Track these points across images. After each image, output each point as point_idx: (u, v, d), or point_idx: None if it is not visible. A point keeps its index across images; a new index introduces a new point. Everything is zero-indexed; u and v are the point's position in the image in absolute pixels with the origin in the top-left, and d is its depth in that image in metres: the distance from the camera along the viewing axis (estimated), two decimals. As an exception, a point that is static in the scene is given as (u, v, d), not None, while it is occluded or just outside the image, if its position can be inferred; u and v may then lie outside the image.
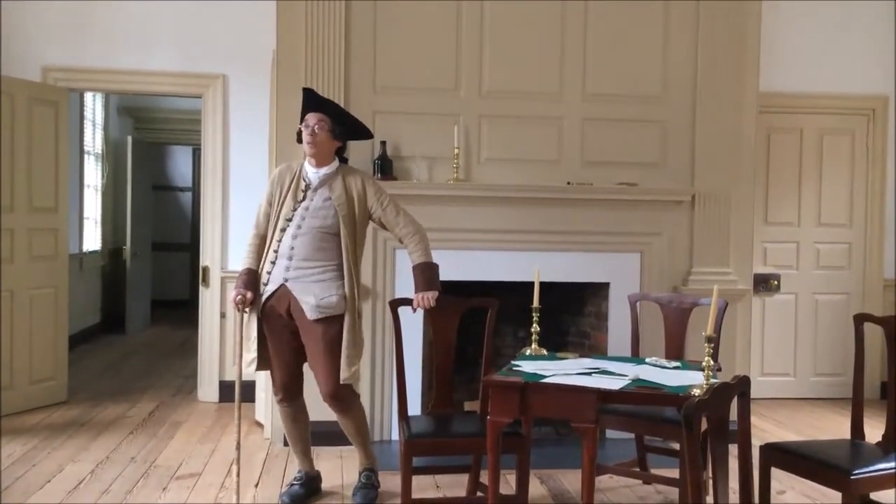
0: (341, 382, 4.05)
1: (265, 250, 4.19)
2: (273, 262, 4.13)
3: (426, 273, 4.10)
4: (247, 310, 4.12)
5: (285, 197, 4.17)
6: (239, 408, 4.18)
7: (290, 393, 4.26)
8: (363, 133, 4.41)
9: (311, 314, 4.03)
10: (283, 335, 4.15)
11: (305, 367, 4.25)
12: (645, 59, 5.58)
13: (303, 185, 4.18)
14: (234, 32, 6.46)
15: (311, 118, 4.14)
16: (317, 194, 4.15)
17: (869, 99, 6.84)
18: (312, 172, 4.18)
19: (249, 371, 4.20)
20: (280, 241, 4.12)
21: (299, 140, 4.20)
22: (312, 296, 4.03)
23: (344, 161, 4.33)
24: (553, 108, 5.52)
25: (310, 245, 4.08)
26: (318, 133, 4.11)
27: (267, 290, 4.12)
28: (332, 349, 4.05)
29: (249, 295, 4.08)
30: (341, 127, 4.20)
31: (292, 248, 4.09)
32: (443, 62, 5.43)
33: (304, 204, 4.14)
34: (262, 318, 4.15)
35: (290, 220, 4.12)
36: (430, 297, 4.06)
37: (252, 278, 4.14)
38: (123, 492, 4.41)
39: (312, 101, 4.21)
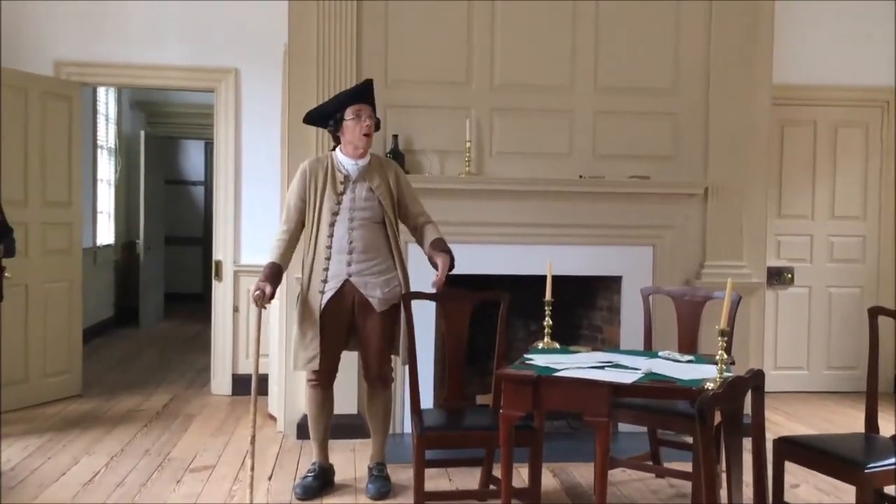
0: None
1: (312, 247, 4.21)
2: (328, 258, 4.18)
3: (444, 244, 4.20)
4: (266, 306, 4.13)
5: (323, 190, 4.21)
6: (255, 402, 4.18)
7: (329, 379, 4.34)
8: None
9: (379, 307, 4.19)
10: (340, 327, 4.23)
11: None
12: (657, 51, 5.56)
13: (340, 177, 4.22)
14: (246, 26, 6.46)
15: (367, 110, 4.22)
16: (357, 186, 4.22)
17: (883, 91, 6.79)
18: (351, 164, 4.24)
19: (308, 368, 4.24)
20: (332, 235, 4.17)
21: (336, 129, 4.24)
22: (379, 290, 4.18)
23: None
24: (565, 101, 5.51)
25: (366, 237, 4.18)
26: (372, 124, 4.23)
27: (329, 287, 4.17)
28: (390, 334, 4.23)
29: (269, 290, 4.08)
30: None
31: (351, 243, 4.16)
32: (454, 55, 5.42)
33: (347, 196, 4.19)
34: (324, 315, 4.18)
35: (336, 213, 4.17)
36: (445, 270, 4.09)
37: (275, 272, 4.16)
38: (138, 484, 4.44)
39: (369, 93, 4.29)
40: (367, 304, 4.18)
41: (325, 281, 4.18)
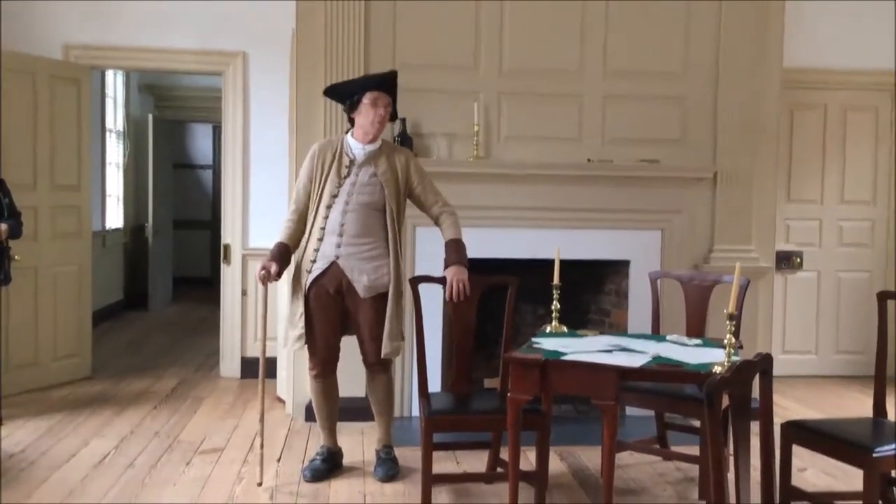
0: (382, 357, 4.20)
1: (310, 227, 4.22)
2: (321, 239, 4.17)
3: (459, 249, 4.17)
4: (272, 282, 4.15)
5: (328, 173, 4.20)
6: (263, 381, 4.23)
7: (328, 368, 4.32)
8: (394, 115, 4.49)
9: (363, 293, 4.15)
10: (329, 311, 4.20)
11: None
12: (666, 35, 5.52)
13: (346, 160, 4.21)
14: (254, 10, 6.44)
15: (384, 99, 4.19)
16: (362, 170, 4.20)
17: (893, 74, 6.73)
18: (358, 148, 4.22)
19: (296, 347, 4.26)
20: (327, 217, 4.16)
21: (350, 110, 4.22)
22: (365, 276, 4.14)
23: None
24: (573, 85, 5.48)
25: (359, 221, 4.15)
26: (387, 114, 4.21)
27: (317, 268, 4.17)
28: (382, 321, 4.18)
29: (274, 269, 4.11)
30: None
31: (342, 225, 4.14)
32: (462, 39, 5.40)
33: (349, 180, 4.19)
34: (309, 295, 4.18)
35: (335, 196, 4.17)
36: (464, 282, 4.04)
37: (281, 251, 4.18)
38: (148, 466, 4.47)
39: (391, 84, 4.26)
40: (354, 290, 4.17)
41: (313, 261, 4.18)
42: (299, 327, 4.19)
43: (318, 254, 4.18)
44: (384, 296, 4.18)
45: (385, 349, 4.17)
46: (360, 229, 4.15)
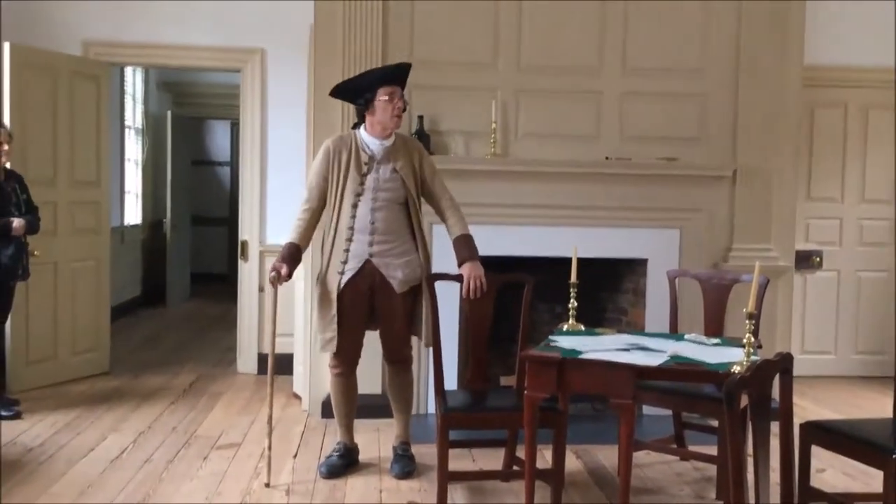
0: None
1: (333, 227, 4.18)
2: (349, 239, 4.14)
3: (471, 244, 4.17)
4: (281, 283, 4.14)
5: (347, 170, 4.16)
6: (272, 382, 4.25)
7: (352, 366, 4.33)
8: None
9: (399, 288, 4.16)
10: (358, 311, 4.19)
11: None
12: (686, 32, 5.49)
13: (364, 157, 4.18)
14: (273, 7, 6.46)
15: (399, 92, 4.17)
16: (381, 166, 4.17)
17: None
18: (375, 144, 4.18)
19: (328, 350, 4.23)
20: (354, 216, 4.14)
21: (365, 108, 4.16)
22: (400, 271, 4.15)
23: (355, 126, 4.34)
24: (592, 83, 5.46)
25: (389, 218, 4.15)
26: (403, 107, 4.19)
27: (349, 268, 4.15)
28: (410, 316, 4.24)
29: (285, 270, 4.09)
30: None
31: (373, 223, 4.13)
32: (481, 36, 5.39)
33: (371, 176, 4.15)
34: (344, 295, 4.15)
35: (360, 194, 4.14)
36: (481, 278, 4.05)
37: (292, 252, 4.14)
38: (165, 461, 4.49)
39: (405, 77, 4.24)
40: (388, 285, 4.16)
41: (344, 262, 4.15)
42: (331, 329, 4.16)
43: (348, 254, 4.15)
44: (414, 290, 4.21)
45: (427, 339, 4.19)
46: (389, 226, 4.15)
